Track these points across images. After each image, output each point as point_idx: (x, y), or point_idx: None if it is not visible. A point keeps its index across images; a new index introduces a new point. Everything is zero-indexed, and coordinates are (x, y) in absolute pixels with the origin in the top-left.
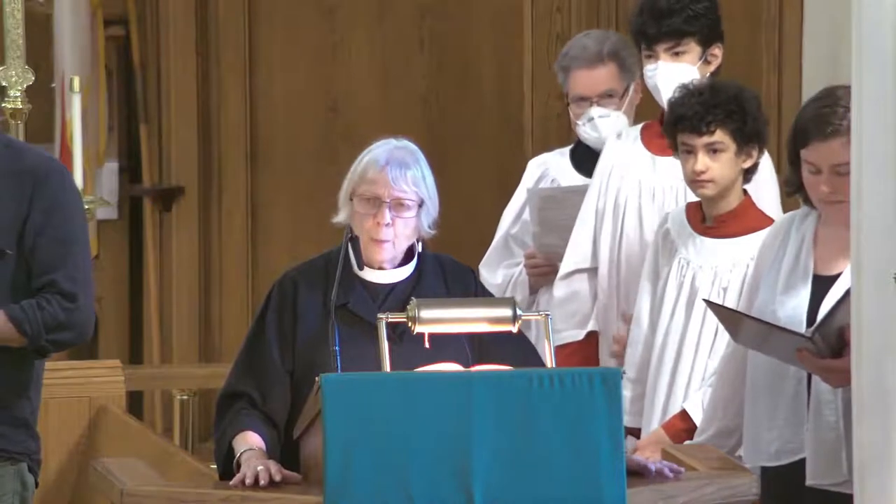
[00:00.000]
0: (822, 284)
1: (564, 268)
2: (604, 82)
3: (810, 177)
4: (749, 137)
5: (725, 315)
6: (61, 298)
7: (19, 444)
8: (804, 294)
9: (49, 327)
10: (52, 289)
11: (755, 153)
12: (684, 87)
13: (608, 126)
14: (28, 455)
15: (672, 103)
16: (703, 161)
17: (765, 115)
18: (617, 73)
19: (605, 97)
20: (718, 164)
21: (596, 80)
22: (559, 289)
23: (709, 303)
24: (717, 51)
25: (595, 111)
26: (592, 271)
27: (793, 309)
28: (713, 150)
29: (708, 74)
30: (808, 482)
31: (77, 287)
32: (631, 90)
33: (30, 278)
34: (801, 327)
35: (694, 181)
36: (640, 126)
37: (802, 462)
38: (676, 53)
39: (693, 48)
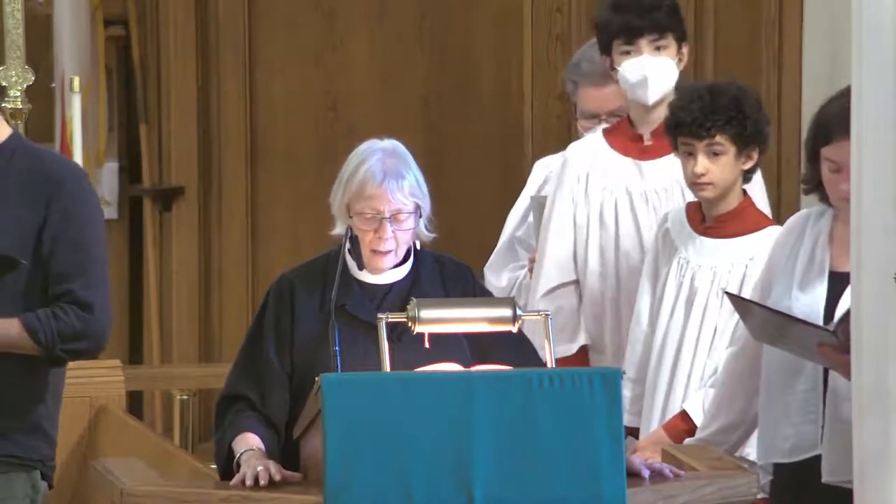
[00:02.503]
0: (837, 281)
1: (546, 284)
2: (613, 100)
3: (830, 175)
4: (749, 139)
5: (744, 307)
6: (78, 308)
7: (33, 450)
8: (820, 290)
9: (65, 337)
10: (68, 298)
11: (756, 154)
12: (684, 89)
13: None
14: (42, 461)
15: (673, 107)
16: (703, 164)
17: (766, 115)
18: None
19: (614, 115)
20: (718, 166)
21: (605, 98)
22: (543, 306)
23: (728, 294)
24: (685, 50)
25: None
26: (576, 284)
27: (808, 305)
28: (713, 152)
29: (678, 73)
30: (825, 479)
31: (94, 296)
32: None
33: (45, 285)
34: (818, 323)
35: (694, 183)
36: (599, 132)
37: (815, 459)
38: (658, 48)
39: (672, 43)
